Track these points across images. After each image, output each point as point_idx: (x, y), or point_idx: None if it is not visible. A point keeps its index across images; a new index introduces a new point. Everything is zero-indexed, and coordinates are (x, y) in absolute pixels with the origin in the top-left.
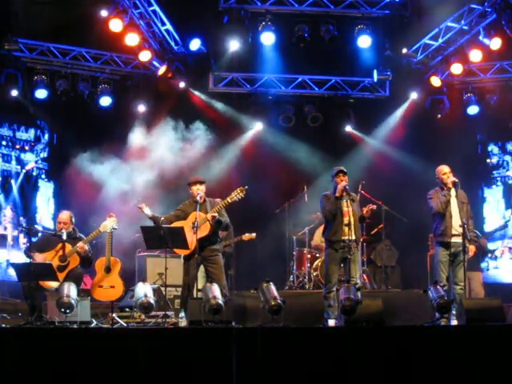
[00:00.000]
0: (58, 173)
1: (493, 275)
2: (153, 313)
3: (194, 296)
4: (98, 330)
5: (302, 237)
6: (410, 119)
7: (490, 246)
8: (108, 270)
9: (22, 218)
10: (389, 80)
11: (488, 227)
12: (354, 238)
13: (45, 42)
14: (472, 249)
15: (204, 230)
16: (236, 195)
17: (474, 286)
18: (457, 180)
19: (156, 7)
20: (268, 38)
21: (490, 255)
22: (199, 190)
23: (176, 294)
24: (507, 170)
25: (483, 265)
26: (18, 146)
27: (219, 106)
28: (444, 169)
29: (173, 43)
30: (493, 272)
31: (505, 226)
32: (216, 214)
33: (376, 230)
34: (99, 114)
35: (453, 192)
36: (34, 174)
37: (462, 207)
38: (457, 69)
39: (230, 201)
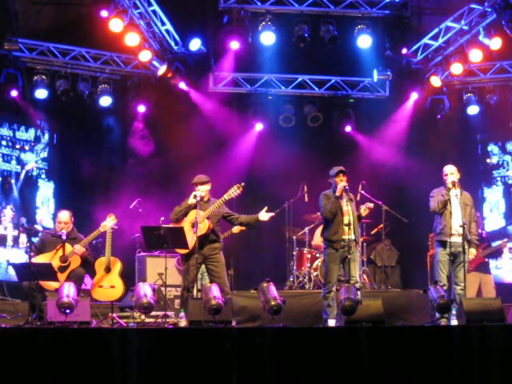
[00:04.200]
0: (58, 173)
1: (493, 275)
2: (153, 313)
3: (194, 296)
4: (97, 330)
5: (302, 237)
6: (410, 119)
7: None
8: (108, 269)
9: (22, 218)
10: (389, 80)
11: (488, 227)
12: (353, 237)
13: (45, 42)
14: (472, 252)
15: (202, 229)
16: (233, 192)
17: (487, 290)
18: (455, 180)
19: (156, 7)
20: (268, 38)
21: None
22: (199, 191)
23: (176, 294)
24: (507, 170)
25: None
26: (18, 146)
27: (219, 106)
28: (446, 169)
29: (173, 43)
30: (493, 272)
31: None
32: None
33: (376, 229)
34: (99, 114)
35: (453, 192)
36: (34, 173)
37: (465, 208)
38: (457, 69)
39: (227, 198)
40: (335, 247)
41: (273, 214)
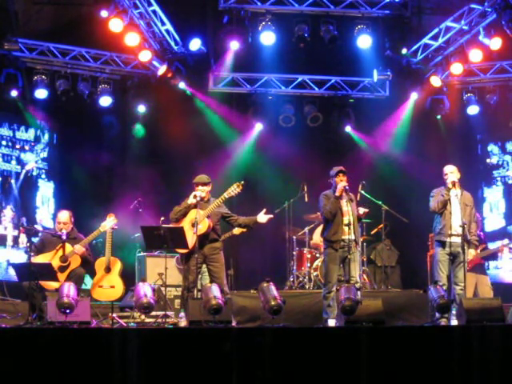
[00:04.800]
0: (58, 173)
1: (493, 275)
2: (153, 313)
3: (195, 296)
4: (97, 330)
5: (302, 237)
6: (410, 119)
7: (490, 246)
8: (108, 269)
9: (22, 218)
10: (389, 80)
11: (488, 227)
12: (353, 237)
13: (45, 42)
14: (471, 253)
15: (202, 228)
16: (233, 190)
17: (484, 290)
18: (455, 180)
19: (156, 7)
20: (268, 38)
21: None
22: (199, 191)
23: (176, 293)
24: (507, 170)
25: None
26: (18, 146)
27: (219, 106)
28: (446, 169)
29: (173, 43)
30: (493, 272)
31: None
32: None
33: (376, 229)
34: (99, 114)
35: (453, 192)
36: (34, 173)
37: (465, 209)
38: (457, 69)
39: (226, 196)
40: (335, 247)
41: (271, 216)
